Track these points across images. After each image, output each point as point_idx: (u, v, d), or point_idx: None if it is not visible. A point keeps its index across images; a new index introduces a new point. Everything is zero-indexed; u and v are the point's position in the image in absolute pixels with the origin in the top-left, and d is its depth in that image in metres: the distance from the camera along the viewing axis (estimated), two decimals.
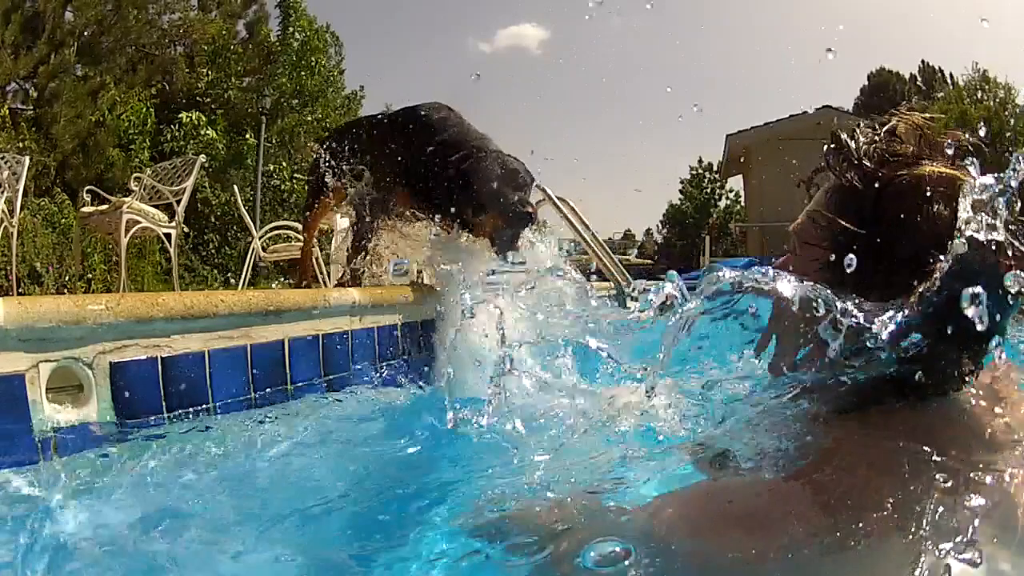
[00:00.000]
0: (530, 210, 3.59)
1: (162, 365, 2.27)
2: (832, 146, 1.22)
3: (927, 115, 1.22)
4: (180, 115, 19.21)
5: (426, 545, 1.49)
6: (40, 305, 1.98)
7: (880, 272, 1.12)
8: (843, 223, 1.16)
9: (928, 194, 1.10)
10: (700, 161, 41.57)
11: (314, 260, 6.39)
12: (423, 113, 3.87)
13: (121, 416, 2.18)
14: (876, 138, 1.19)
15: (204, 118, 19.40)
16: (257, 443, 2.24)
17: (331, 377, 2.93)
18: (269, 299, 2.61)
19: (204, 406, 2.38)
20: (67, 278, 9.53)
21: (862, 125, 1.22)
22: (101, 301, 2.10)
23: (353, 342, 3.07)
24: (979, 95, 35.00)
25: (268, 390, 2.62)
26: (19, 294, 7.73)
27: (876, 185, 1.14)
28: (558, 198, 7.19)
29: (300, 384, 2.75)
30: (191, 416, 2.35)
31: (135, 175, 7.61)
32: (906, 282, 1.09)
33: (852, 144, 1.19)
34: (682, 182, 41.67)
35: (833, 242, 1.18)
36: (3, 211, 6.32)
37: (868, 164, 1.16)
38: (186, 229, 9.41)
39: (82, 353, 2.10)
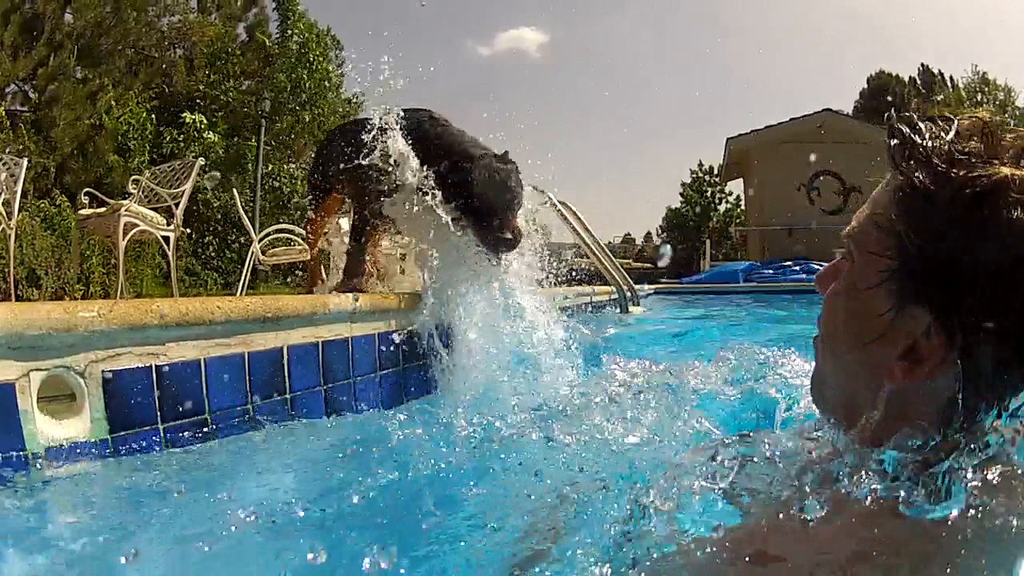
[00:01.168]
0: (510, 236, 3.36)
1: (156, 374, 2.20)
2: (896, 141, 1.07)
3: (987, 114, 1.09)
4: (183, 115, 19.15)
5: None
6: (30, 312, 1.92)
7: (954, 290, 0.98)
8: (912, 229, 1.02)
9: (1008, 199, 0.97)
10: (700, 165, 41.61)
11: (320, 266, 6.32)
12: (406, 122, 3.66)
13: (114, 426, 2.12)
14: (942, 133, 1.04)
15: (206, 120, 19.36)
16: (250, 466, 2.19)
17: (331, 385, 2.86)
18: (267, 305, 2.54)
19: (200, 416, 2.32)
20: (65, 281, 9.49)
21: (916, 117, 1.09)
22: (93, 308, 2.04)
23: (354, 349, 3.00)
24: (979, 98, 35.11)
25: (267, 399, 2.55)
26: (17, 297, 7.68)
27: (948, 187, 1.00)
28: (560, 202, 7.16)
29: (300, 393, 2.69)
30: (187, 426, 2.28)
31: (133, 178, 7.55)
32: (981, 308, 0.96)
33: (917, 139, 1.04)
34: (683, 186, 41.66)
35: (899, 250, 1.04)
36: (1, 213, 6.27)
37: (938, 162, 1.01)
38: (185, 230, 9.35)
39: (74, 361, 2.03)
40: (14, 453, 1.90)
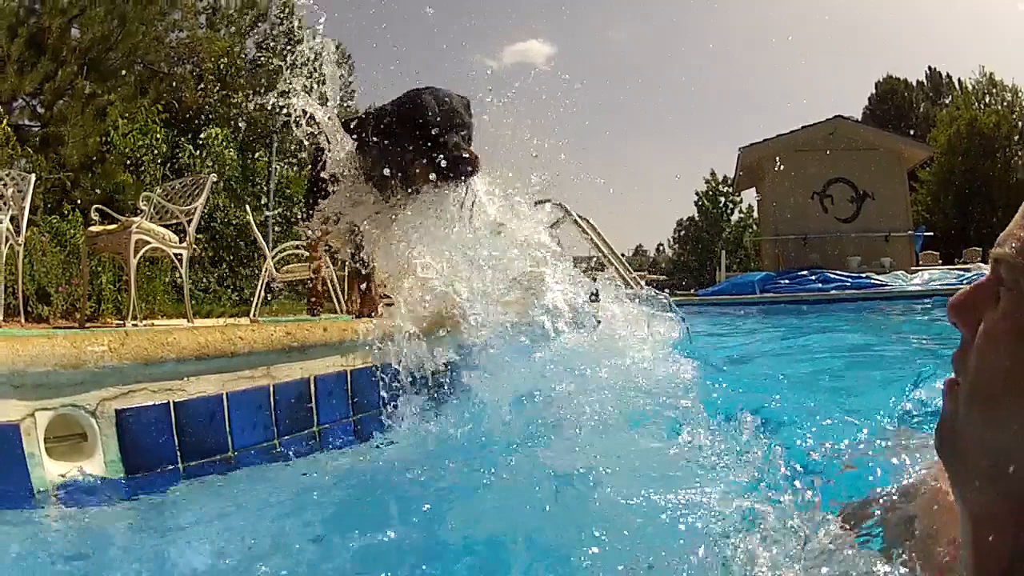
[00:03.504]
0: (467, 155, 3.19)
1: (175, 411, 2.01)
2: None
3: None
4: (206, 130, 18.96)
5: None
6: (32, 346, 1.74)
7: None
8: None
9: None
10: (713, 174, 41.35)
11: (329, 282, 6.14)
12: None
13: (131, 468, 1.93)
14: None
15: (228, 135, 19.19)
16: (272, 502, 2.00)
17: (360, 416, 2.66)
18: (292, 334, 2.35)
19: (223, 455, 2.12)
20: (76, 298, 9.37)
21: None
22: (103, 341, 1.85)
23: (382, 378, 2.79)
24: (987, 99, 35.03)
25: (294, 434, 2.35)
26: (27, 313, 7.56)
27: None
28: (579, 216, 7.00)
29: (328, 425, 2.49)
30: (210, 466, 2.09)
31: (144, 194, 7.41)
32: None
33: None
34: (698, 195, 41.39)
35: None
36: (9, 229, 6.13)
37: None
38: (198, 247, 9.23)
39: (84, 400, 1.85)
40: (21, 499, 1.72)
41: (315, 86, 3.52)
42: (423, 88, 3.33)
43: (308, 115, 3.47)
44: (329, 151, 3.52)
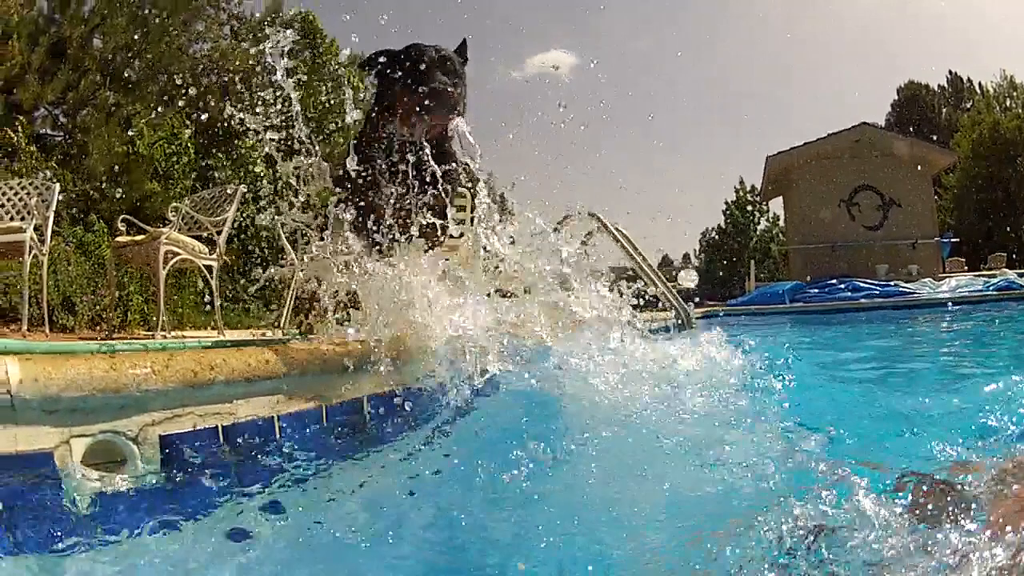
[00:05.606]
0: (450, 89, 3.23)
1: (224, 436, 1.83)
2: None
3: None
4: (242, 142, 18.87)
5: None
6: (67, 368, 1.57)
7: None
8: None
9: None
10: (742, 182, 41.02)
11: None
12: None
13: (175, 497, 1.75)
14: None
15: (258, 146, 19.04)
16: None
17: (413, 433, 2.47)
18: (346, 351, 2.17)
19: (276, 480, 1.95)
20: (102, 308, 9.31)
21: None
22: (146, 363, 1.68)
23: (434, 395, 2.60)
24: (1008, 103, 34.77)
25: (347, 454, 2.17)
26: (51, 324, 7.46)
27: None
28: (614, 227, 6.84)
29: (382, 444, 2.31)
30: (260, 493, 1.91)
31: (173, 205, 7.29)
32: None
33: None
34: (727, 204, 41.04)
35: None
36: (33, 239, 6.02)
37: None
38: (228, 257, 9.12)
39: (125, 425, 1.69)
40: (56, 532, 1.56)
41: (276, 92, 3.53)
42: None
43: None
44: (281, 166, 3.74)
